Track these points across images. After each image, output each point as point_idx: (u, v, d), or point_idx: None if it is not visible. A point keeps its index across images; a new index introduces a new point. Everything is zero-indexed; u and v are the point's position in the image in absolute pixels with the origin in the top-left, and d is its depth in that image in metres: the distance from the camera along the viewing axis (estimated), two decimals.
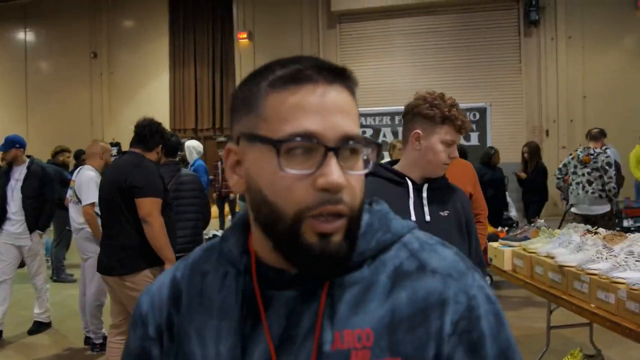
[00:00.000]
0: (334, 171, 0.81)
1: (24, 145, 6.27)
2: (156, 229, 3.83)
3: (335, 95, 0.85)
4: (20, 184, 5.96)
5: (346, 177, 0.83)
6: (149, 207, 3.84)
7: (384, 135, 12.10)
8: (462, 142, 5.65)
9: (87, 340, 5.75)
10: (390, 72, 14.33)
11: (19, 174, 6.00)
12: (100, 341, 5.60)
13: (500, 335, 0.87)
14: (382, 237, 0.92)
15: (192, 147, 8.30)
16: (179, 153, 7.63)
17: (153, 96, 17.10)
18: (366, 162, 0.88)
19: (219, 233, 11.27)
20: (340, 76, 0.87)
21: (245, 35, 15.93)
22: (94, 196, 5.08)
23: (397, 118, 11.79)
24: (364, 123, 12.13)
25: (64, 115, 18.08)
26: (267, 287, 0.90)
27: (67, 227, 8.54)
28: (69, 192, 5.87)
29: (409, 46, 14.47)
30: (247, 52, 15.97)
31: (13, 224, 5.89)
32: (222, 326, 0.91)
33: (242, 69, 16.04)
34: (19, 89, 19.01)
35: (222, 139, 16.03)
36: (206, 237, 9.65)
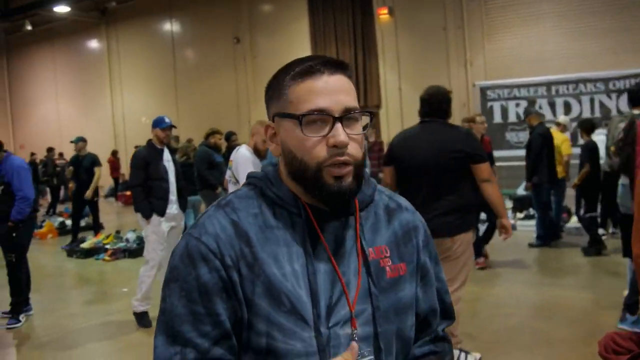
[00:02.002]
0: (340, 133, 1.24)
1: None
2: (496, 188, 4.36)
3: (337, 80, 1.28)
4: (171, 164, 6.38)
5: (350, 137, 1.26)
6: (488, 170, 4.32)
7: (540, 107, 12.04)
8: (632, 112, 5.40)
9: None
10: (540, 40, 14.20)
11: (166, 155, 6.39)
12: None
13: (434, 247, 1.52)
14: (373, 185, 1.43)
15: None
16: None
17: None
18: (364, 126, 1.33)
19: None
20: (341, 67, 1.31)
21: (385, 11, 16.36)
22: None
23: (553, 88, 11.78)
24: (517, 95, 12.17)
25: (211, 101, 19.38)
26: (317, 221, 1.31)
27: None
28: (228, 173, 6.01)
29: (559, 11, 14.22)
30: (389, 28, 16.40)
31: (172, 206, 6.27)
32: (292, 251, 1.27)
33: (385, 46, 16.50)
34: (168, 77, 20.59)
35: None
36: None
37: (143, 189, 6.23)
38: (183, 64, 20.51)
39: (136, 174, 6.35)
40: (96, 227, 11.37)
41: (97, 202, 11.27)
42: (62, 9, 20.16)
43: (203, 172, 9.01)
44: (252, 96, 18.99)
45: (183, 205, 6.45)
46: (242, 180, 5.35)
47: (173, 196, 6.26)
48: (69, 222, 12.79)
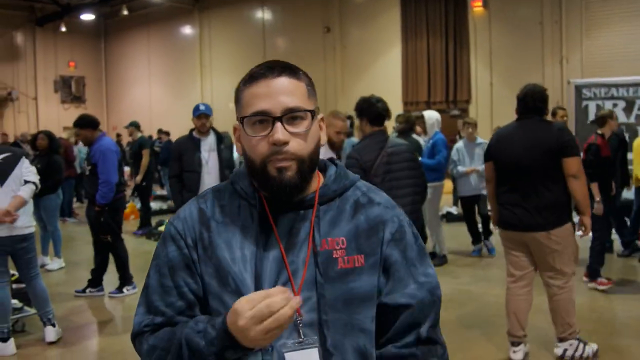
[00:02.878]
0: (278, 132, 1.36)
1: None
2: (583, 185, 4.48)
3: (279, 82, 1.39)
4: (214, 154, 6.39)
5: (293, 134, 1.38)
6: (579, 164, 4.44)
7: (639, 108, 11.68)
8: None
9: None
10: None
11: (207, 144, 6.40)
12: None
13: (416, 243, 1.53)
14: (345, 182, 1.52)
15: (435, 118, 8.27)
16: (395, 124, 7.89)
17: (385, 69, 18.06)
18: (309, 125, 1.42)
19: (453, 210, 11.80)
20: (287, 69, 1.42)
21: (480, 4, 16.25)
22: None
23: None
24: (615, 94, 11.82)
25: None
26: (273, 212, 1.45)
27: None
28: None
29: None
30: (482, 21, 16.25)
31: None
32: (245, 239, 1.43)
33: (477, 39, 16.37)
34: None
35: (455, 112, 16.57)
36: (441, 213, 9.81)
37: (178, 180, 6.30)
38: (273, 52, 20.86)
39: (172, 165, 6.51)
40: (144, 213, 11.50)
41: (145, 187, 11.40)
42: None
43: None
44: (340, 86, 19.20)
45: None
46: None
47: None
48: (152, 204, 13.19)
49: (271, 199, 1.45)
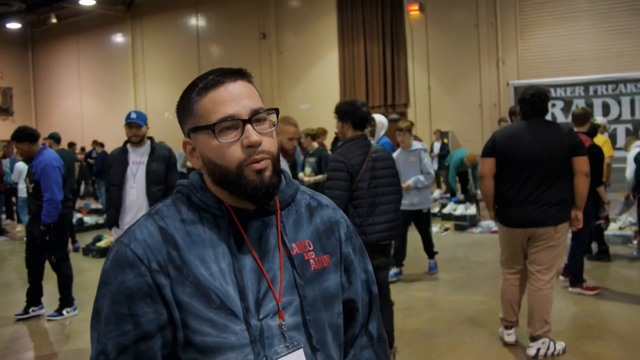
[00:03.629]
0: (252, 134, 1.35)
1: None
2: (588, 183, 4.74)
3: (238, 86, 1.38)
4: (142, 167, 5.68)
5: (262, 134, 1.38)
6: (588, 164, 4.71)
7: (577, 107, 11.84)
8: None
9: None
10: (575, 39, 14.02)
11: (136, 156, 5.71)
12: None
13: (358, 241, 1.65)
14: (294, 186, 1.54)
15: (383, 122, 7.87)
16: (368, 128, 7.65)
17: (322, 74, 17.91)
18: (272, 124, 1.44)
19: None
20: (240, 74, 1.41)
21: (416, 7, 16.28)
22: None
23: (591, 89, 11.53)
24: (554, 94, 11.93)
25: None
26: (240, 222, 1.42)
27: None
28: None
29: (596, 9, 14.00)
30: (419, 25, 16.27)
31: (129, 215, 5.62)
32: (218, 251, 1.37)
33: (414, 42, 16.38)
34: (192, 73, 20.34)
35: (394, 115, 16.49)
36: None
37: (110, 194, 5.72)
38: (208, 60, 20.51)
39: (106, 178, 5.99)
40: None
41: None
42: (87, 2, 20.20)
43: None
44: (277, 92, 18.96)
45: None
46: None
47: (133, 204, 5.55)
48: (87, 219, 12.78)
49: (237, 209, 1.43)
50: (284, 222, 1.49)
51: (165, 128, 17.29)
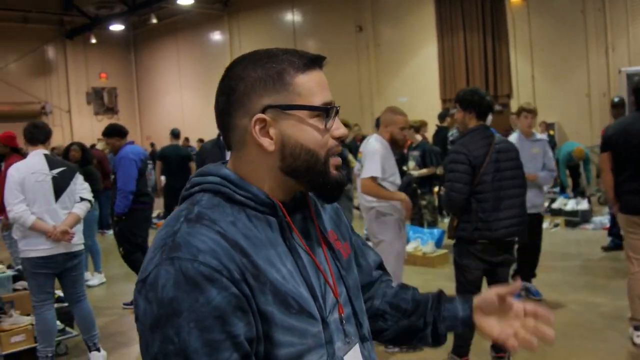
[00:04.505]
0: (341, 125, 1.34)
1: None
2: None
3: (323, 75, 1.34)
4: None
5: None
6: None
7: None
8: None
9: None
10: None
11: None
12: None
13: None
14: None
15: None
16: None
17: (421, 67, 17.77)
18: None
19: None
20: (323, 62, 1.35)
21: None
22: (376, 170, 5.06)
23: None
24: None
25: (333, 90, 17.97)
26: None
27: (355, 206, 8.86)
28: (357, 166, 5.56)
29: None
30: (521, 13, 15.87)
31: None
32: (280, 252, 1.28)
33: (516, 31, 16.00)
34: None
35: (497, 107, 16.14)
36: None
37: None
38: None
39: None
40: None
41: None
42: (186, 1, 20.77)
43: None
44: (375, 86, 18.96)
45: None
46: (366, 174, 5.07)
47: None
48: None
49: (284, 203, 1.33)
50: (314, 214, 1.45)
51: None
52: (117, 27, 24.66)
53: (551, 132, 14.92)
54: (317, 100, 1.29)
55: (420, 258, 8.28)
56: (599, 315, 5.89)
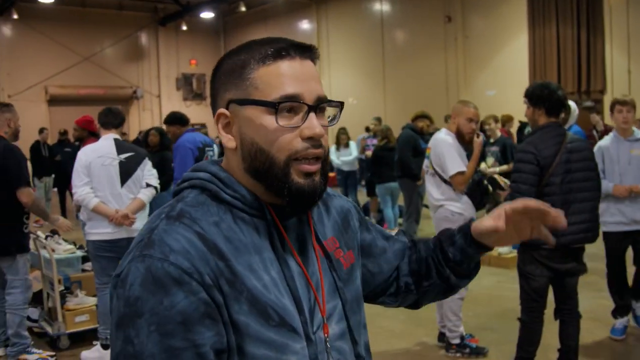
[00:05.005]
0: (316, 124, 1.16)
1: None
2: None
3: (308, 66, 1.20)
4: None
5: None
6: None
7: None
8: None
9: (441, 337, 5.29)
10: None
11: None
12: (457, 341, 5.07)
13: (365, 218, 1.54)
14: None
15: (574, 108, 6.93)
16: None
17: (510, 59, 17.32)
18: (331, 119, 1.26)
19: None
20: (310, 51, 1.22)
21: None
22: (459, 164, 4.89)
23: None
24: None
25: (419, 82, 19.25)
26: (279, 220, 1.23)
27: (424, 204, 8.69)
28: (425, 162, 5.35)
29: None
30: (619, 4, 15.21)
31: None
32: (265, 258, 1.17)
33: (613, 23, 15.33)
34: (376, 58, 20.80)
35: (588, 103, 15.55)
36: None
37: None
38: (391, 44, 20.56)
39: None
40: None
41: None
42: None
43: (406, 158, 8.57)
44: (462, 78, 18.60)
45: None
46: (452, 172, 4.86)
47: None
48: None
49: (273, 205, 1.23)
50: (313, 219, 1.33)
51: (349, 113, 17.55)
52: (207, 15, 25.22)
53: None
54: (275, 94, 1.17)
55: (495, 258, 8.05)
56: None
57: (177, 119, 6.99)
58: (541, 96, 4.19)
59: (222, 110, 1.23)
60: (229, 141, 1.22)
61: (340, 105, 1.28)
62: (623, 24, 15.18)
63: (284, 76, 1.17)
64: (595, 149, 5.20)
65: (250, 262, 1.15)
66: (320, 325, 1.24)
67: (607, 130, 11.33)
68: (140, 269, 1.08)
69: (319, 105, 1.19)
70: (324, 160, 1.21)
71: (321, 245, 1.32)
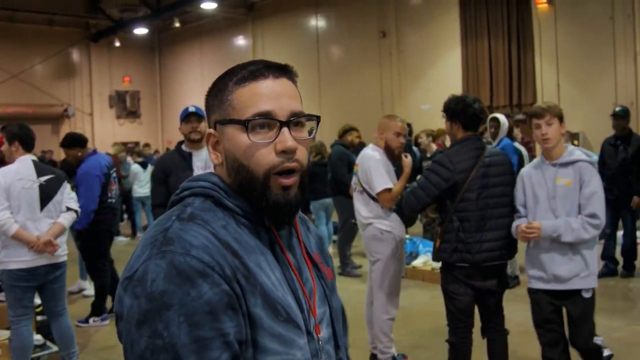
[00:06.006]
0: (288, 138, 1.25)
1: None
2: None
3: (281, 84, 1.30)
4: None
5: (297, 141, 1.27)
6: None
7: None
8: None
9: (373, 358, 5.15)
10: None
11: (200, 161, 4.90)
12: None
13: None
14: None
15: (503, 121, 7.35)
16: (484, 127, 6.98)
17: (444, 73, 17.46)
18: (310, 131, 1.34)
19: None
20: (284, 70, 1.33)
21: (544, 0, 15.48)
22: (386, 180, 4.79)
23: None
24: None
25: (355, 97, 19.29)
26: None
27: (353, 220, 8.69)
28: (353, 179, 5.18)
29: None
30: (548, 19, 15.51)
31: None
32: (268, 260, 1.26)
33: (542, 38, 15.64)
34: (312, 73, 20.70)
35: (519, 116, 15.81)
36: None
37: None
38: (327, 60, 20.54)
39: (155, 191, 4.97)
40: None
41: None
42: (210, 6, 20.72)
43: (341, 175, 8.39)
44: (397, 92, 18.67)
45: None
46: (379, 188, 4.75)
47: None
48: None
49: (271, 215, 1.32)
50: (301, 232, 1.43)
51: None
52: (141, 31, 24.74)
53: (575, 142, 14.56)
54: (249, 112, 1.26)
55: (428, 274, 7.95)
56: (614, 340, 5.53)
57: (75, 141, 6.60)
58: (456, 110, 4.13)
59: (210, 130, 1.34)
60: (216, 158, 1.34)
61: (316, 118, 1.35)
62: (551, 38, 15.46)
63: (257, 95, 1.27)
64: (518, 177, 4.16)
65: (258, 261, 1.23)
66: (314, 327, 1.32)
67: (528, 142, 11.39)
68: (162, 264, 1.12)
69: (291, 120, 1.27)
70: (302, 173, 1.29)
71: (309, 256, 1.40)
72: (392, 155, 4.94)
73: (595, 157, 3.93)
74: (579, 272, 3.80)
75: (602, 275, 7.82)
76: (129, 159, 14.04)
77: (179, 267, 1.11)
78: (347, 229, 8.78)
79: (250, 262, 1.20)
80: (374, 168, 4.82)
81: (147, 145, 18.22)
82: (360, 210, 5.03)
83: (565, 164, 3.86)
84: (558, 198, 3.84)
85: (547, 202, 3.87)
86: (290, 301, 1.25)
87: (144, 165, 12.93)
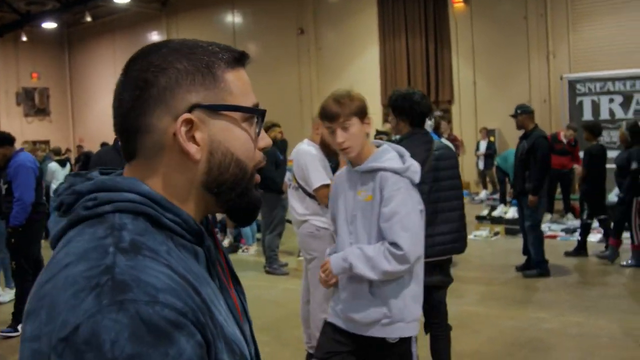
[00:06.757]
0: (266, 135, 1.13)
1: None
2: None
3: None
4: None
5: None
6: None
7: (637, 102, 11.15)
8: None
9: (309, 357, 4.92)
10: (634, 31, 13.24)
11: None
12: None
13: None
14: None
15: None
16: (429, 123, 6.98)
17: (362, 70, 17.48)
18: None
19: None
20: (246, 61, 1.12)
21: (460, 0, 15.62)
22: (323, 176, 4.63)
23: None
24: (612, 89, 11.34)
25: (273, 94, 19.00)
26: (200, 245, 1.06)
27: (287, 219, 8.25)
28: (288, 175, 5.06)
29: None
30: (464, 18, 15.78)
31: None
32: (213, 288, 1.02)
33: (459, 36, 15.89)
34: None
35: (437, 113, 15.94)
36: None
37: None
38: None
39: None
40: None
41: None
42: (122, 0, 20.04)
43: (269, 172, 8.12)
44: (315, 89, 18.58)
45: None
46: (316, 184, 4.60)
47: None
48: None
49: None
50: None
51: None
52: (49, 25, 23.60)
53: (492, 138, 14.82)
54: (248, 101, 1.08)
55: None
56: (543, 332, 5.54)
57: (5, 139, 6.42)
58: (403, 109, 4.05)
59: (187, 115, 1.01)
60: (197, 152, 1.02)
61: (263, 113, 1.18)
62: (468, 37, 15.70)
63: (247, 84, 1.10)
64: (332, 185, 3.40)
65: (208, 293, 0.98)
66: (255, 353, 1.18)
67: (454, 139, 11.48)
68: (122, 319, 0.83)
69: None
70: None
71: (231, 268, 1.20)
72: (329, 150, 4.78)
73: (415, 164, 2.93)
74: (379, 317, 2.90)
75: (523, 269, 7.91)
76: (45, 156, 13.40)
77: (149, 321, 0.84)
78: (276, 226, 8.56)
79: (206, 297, 0.96)
80: (310, 164, 4.69)
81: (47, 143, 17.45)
82: (295, 207, 4.91)
83: (367, 172, 2.94)
84: (359, 218, 2.94)
85: (345, 224, 3.01)
86: (238, 334, 1.05)
87: (62, 163, 12.36)
